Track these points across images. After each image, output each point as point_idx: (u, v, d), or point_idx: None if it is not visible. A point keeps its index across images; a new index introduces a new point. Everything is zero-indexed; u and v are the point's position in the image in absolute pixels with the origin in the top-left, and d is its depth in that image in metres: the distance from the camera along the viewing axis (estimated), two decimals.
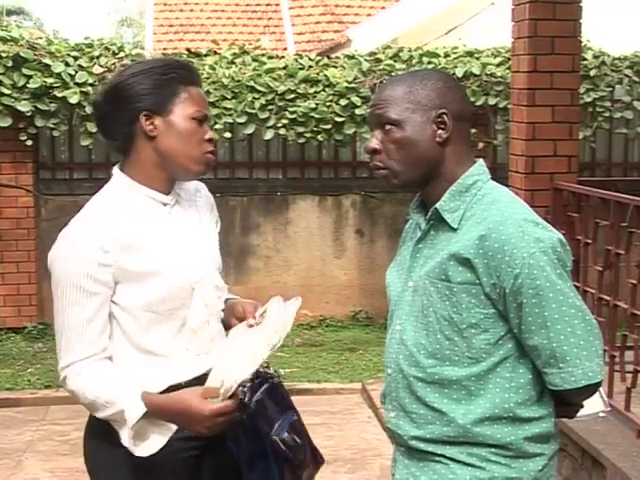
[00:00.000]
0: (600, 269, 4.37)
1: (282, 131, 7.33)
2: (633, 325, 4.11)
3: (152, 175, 2.21)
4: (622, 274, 4.22)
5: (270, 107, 7.29)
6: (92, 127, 7.04)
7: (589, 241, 4.53)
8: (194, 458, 2.25)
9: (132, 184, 2.21)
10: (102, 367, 2.18)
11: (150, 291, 2.16)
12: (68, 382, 2.19)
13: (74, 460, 4.89)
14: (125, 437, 2.13)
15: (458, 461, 2.00)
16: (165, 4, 13.82)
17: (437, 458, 2.02)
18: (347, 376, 6.37)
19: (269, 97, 7.27)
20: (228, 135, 7.30)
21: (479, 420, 1.98)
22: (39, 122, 7.05)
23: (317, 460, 2.35)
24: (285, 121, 7.29)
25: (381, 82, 7.39)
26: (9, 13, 26.12)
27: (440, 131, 2.00)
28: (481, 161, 2.08)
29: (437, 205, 2.01)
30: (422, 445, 2.03)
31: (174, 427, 2.17)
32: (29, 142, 7.13)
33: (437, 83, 2.02)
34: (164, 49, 11.70)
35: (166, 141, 2.18)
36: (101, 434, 2.23)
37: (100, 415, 2.16)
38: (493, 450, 1.99)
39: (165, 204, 2.24)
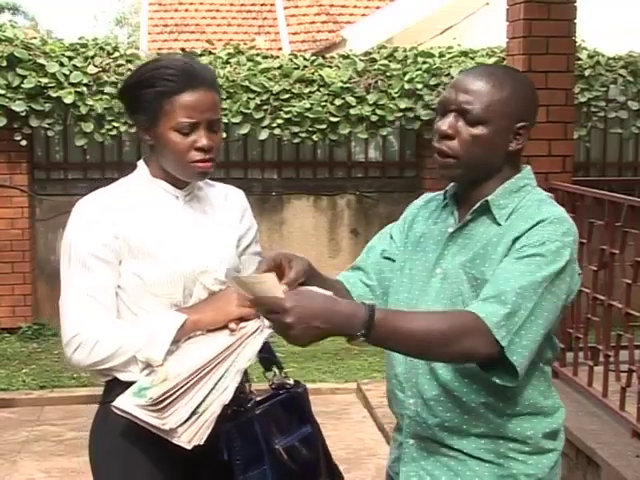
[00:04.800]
0: (595, 269, 4.37)
1: (277, 131, 7.33)
2: (628, 324, 4.12)
3: (163, 172, 2.30)
4: (617, 274, 4.23)
5: (265, 107, 7.29)
6: (87, 127, 7.04)
7: (584, 241, 4.51)
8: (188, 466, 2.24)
9: (148, 176, 2.31)
10: (115, 322, 2.21)
11: (147, 271, 2.21)
12: (83, 344, 2.17)
13: (69, 460, 4.89)
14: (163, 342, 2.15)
15: (476, 457, 1.98)
16: (160, 4, 13.79)
17: (453, 453, 2.00)
18: (342, 376, 6.37)
19: (264, 97, 7.27)
20: (223, 135, 7.27)
21: (500, 411, 1.97)
22: (34, 122, 7.04)
23: (333, 476, 2.35)
24: (280, 121, 7.29)
25: (376, 82, 7.41)
26: (2, 9, 26.05)
27: (515, 142, 2.01)
28: (529, 167, 2.09)
29: (489, 198, 2.01)
30: (440, 435, 2.00)
31: None
32: (24, 142, 7.12)
33: (530, 93, 2.07)
34: (159, 49, 11.70)
35: (159, 151, 2.28)
36: (107, 428, 2.23)
37: (126, 358, 2.16)
38: (511, 445, 1.98)
39: (177, 197, 2.31)
